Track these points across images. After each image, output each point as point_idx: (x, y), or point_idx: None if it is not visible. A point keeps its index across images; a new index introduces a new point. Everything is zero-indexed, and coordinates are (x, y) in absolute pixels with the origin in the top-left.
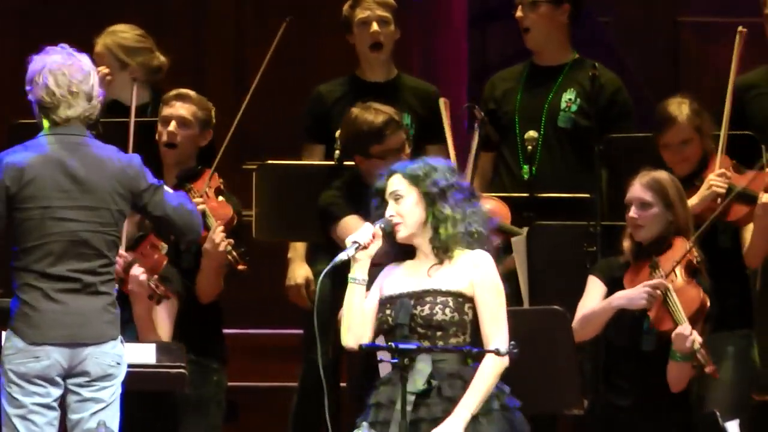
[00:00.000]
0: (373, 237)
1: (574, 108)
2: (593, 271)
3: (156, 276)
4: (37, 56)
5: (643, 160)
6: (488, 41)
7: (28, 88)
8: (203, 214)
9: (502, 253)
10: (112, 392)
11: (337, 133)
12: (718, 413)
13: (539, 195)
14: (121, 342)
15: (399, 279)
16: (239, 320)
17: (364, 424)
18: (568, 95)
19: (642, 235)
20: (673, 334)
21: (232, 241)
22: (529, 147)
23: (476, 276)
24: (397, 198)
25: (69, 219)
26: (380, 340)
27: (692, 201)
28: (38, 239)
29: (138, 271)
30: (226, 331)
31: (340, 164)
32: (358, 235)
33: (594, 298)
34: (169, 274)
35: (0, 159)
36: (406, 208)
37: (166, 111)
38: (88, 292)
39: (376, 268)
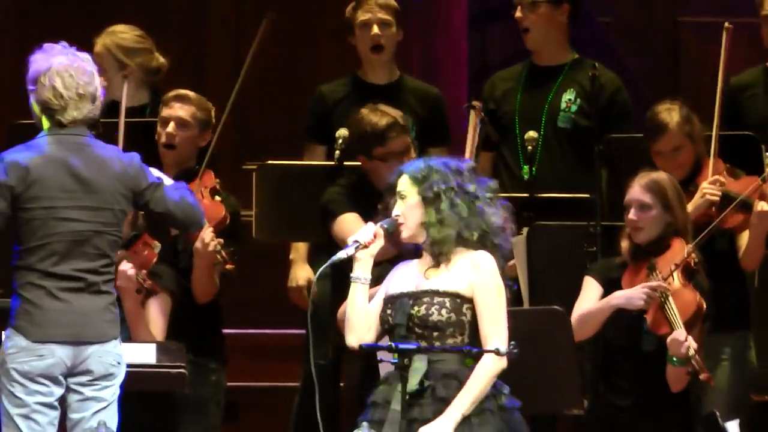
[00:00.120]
0: (375, 237)
1: (574, 108)
2: (589, 272)
3: (144, 271)
4: (39, 55)
5: (643, 160)
6: (488, 41)
7: (31, 87)
8: None
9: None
10: (113, 392)
11: (337, 133)
12: (718, 413)
13: (539, 195)
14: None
15: (402, 278)
16: (239, 320)
17: (364, 424)
18: (568, 95)
19: (641, 237)
20: (668, 340)
21: (221, 240)
22: (529, 147)
23: (475, 277)
24: (402, 198)
25: (73, 219)
26: (386, 340)
27: (687, 208)
28: (42, 239)
29: (126, 266)
30: (226, 331)
31: (340, 164)
32: (360, 234)
33: (590, 299)
34: (159, 270)
35: (4, 158)
36: (407, 208)
37: (165, 112)
38: (91, 291)
39: (386, 267)
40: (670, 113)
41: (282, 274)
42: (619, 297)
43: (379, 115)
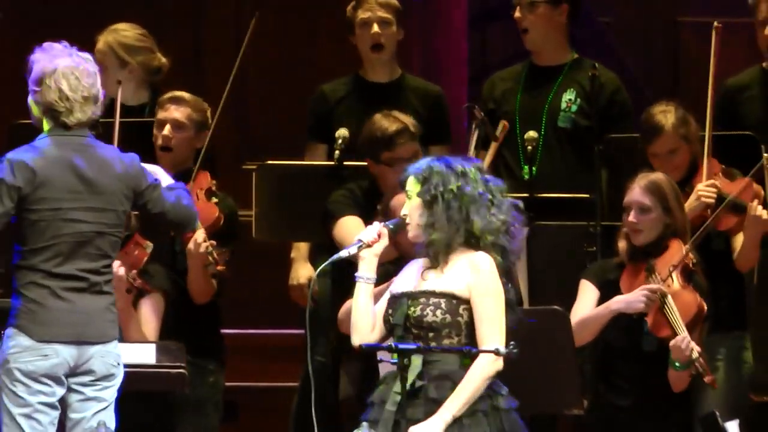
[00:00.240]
0: (379, 236)
1: (574, 108)
2: (585, 276)
3: (135, 272)
4: (41, 55)
5: (643, 161)
6: (488, 41)
7: (34, 88)
8: None
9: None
10: (113, 392)
11: (337, 133)
12: (717, 413)
13: (539, 195)
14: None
15: (405, 278)
16: (239, 320)
17: (364, 423)
18: (568, 95)
19: (641, 239)
20: (671, 345)
21: (213, 242)
22: (529, 147)
23: (471, 278)
24: (408, 197)
25: (78, 220)
26: (391, 340)
27: None
28: (48, 240)
29: (115, 265)
30: (226, 331)
31: (339, 164)
32: (364, 233)
33: (587, 303)
34: (151, 270)
35: (10, 159)
36: (412, 209)
37: (161, 114)
38: (93, 291)
39: (387, 268)
40: (666, 115)
41: (282, 274)
42: (618, 301)
43: (391, 121)
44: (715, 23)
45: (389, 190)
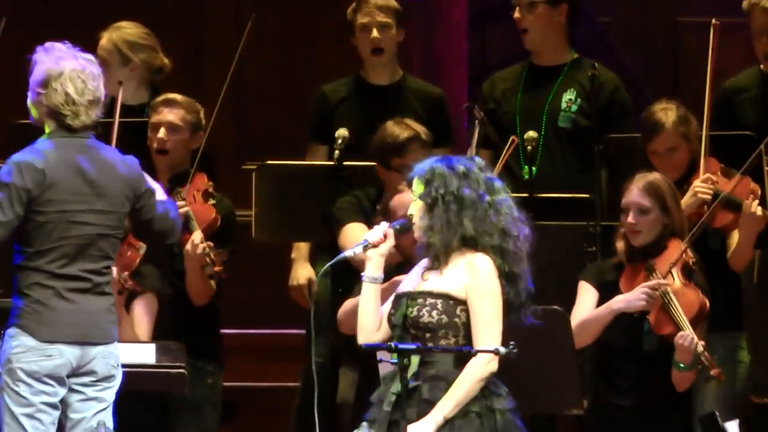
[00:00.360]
0: (384, 237)
1: (574, 108)
2: (584, 277)
3: (126, 272)
4: (45, 56)
5: (643, 160)
6: (488, 41)
7: (39, 90)
8: (187, 216)
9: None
10: (113, 393)
11: (337, 134)
12: (717, 413)
13: (539, 195)
14: None
15: (409, 279)
16: (239, 320)
17: (364, 423)
18: (569, 95)
19: (640, 240)
20: (675, 341)
21: (210, 243)
22: (529, 147)
23: (468, 279)
24: (414, 198)
25: (84, 222)
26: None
27: None
28: (54, 242)
29: None
30: (225, 331)
31: (339, 164)
32: (370, 233)
33: (587, 304)
34: (144, 271)
35: (18, 162)
36: (417, 209)
37: (155, 117)
38: (96, 292)
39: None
40: (666, 113)
41: (282, 274)
42: (619, 301)
43: (403, 128)
44: (714, 21)
45: (391, 192)
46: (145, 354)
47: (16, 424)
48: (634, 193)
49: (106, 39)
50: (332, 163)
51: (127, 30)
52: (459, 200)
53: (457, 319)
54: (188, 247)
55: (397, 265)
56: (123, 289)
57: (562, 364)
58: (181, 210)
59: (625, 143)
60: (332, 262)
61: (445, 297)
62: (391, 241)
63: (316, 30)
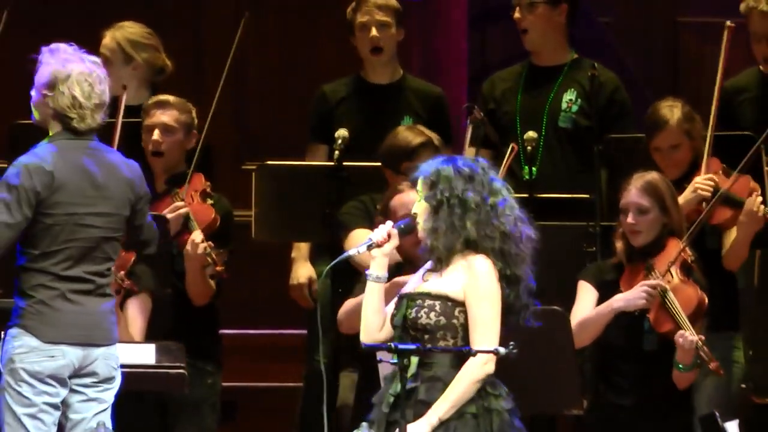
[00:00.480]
0: (388, 236)
1: (574, 108)
2: (583, 277)
3: (122, 272)
4: (52, 58)
5: (643, 161)
6: (488, 41)
7: (45, 92)
8: (186, 217)
9: None
10: (112, 394)
11: (337, 134)
12: (717, 414)
13: (538, 195)
14: None
15: (412, 280)
16: (238, 320)
17: (364, 424)
18: (569, 95)
19: (640, 240)
20: (675, 342)
21: (211, 243)
22: (529, 147)
23: (467, 280)
24: (419, 198)
25: (90, 225)
26: None
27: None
28: (61, 244)
29: None
30: (224, 331)
31: (339, 164)
32: (374, 233)
33: (586, 304)
34: (138, 270)
35: (28, 164)
36: (422, 209)
37: (148, 120)
38: (98, 294)
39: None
40: (672, 110)
41: (281, 274)
42: (619, 300)
43: (416, 133)
44: (728, 23)
45: (391, 192)
46: (144, 354)
47: (17, 424)
48: (633, 193)
49: (109, 37)
50: (332, 163)
51: (130, 29)
52: (463, 203)
53: (455, 321)
54: (188, 247)
55: (397, 265)
56: (120, 288)
57: (562, 364)
58: (181, 210)
59: (625, 143)
60: (336, 261)
61: (444, 298)
62: (395, 241)
63: (316, 30)
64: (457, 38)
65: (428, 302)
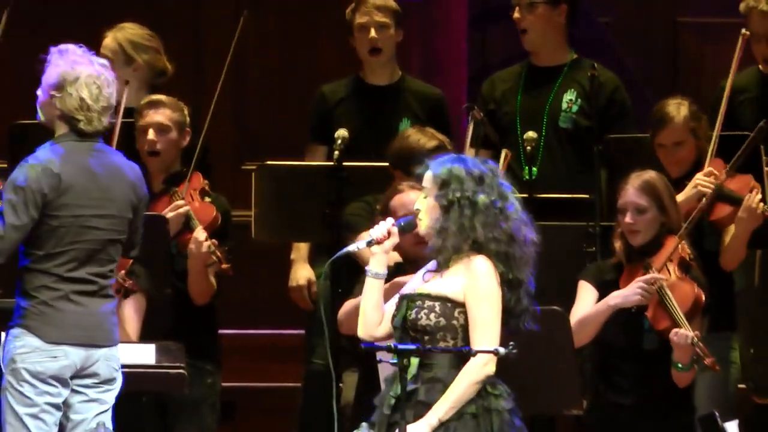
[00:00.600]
0: (388, 234)
1: (575, 108)
2: (583, 277)
3: (123, 272)
4: (61, 60)
5: (643, 161)
6: (488, 42)
7: (53, 93)
8: (187, 216)
9: None
10: (113, 395)
11: (337, 134)
12: (717, 414)
13: (538, 195)
14: None
15: (413, 280)
16: (237, 321)
17: (363, 424)
18: (569, 96)
19: (638, 240)
20: (671, 341)
21: (215, 241)
22: (528, 147)
23: (466, 281)
24: (425, 194)
25: (96, 227)
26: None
27: (678, 198)
28: (65, 245)
29: None
30: (224, 331)
31: (339, 164)
32: (374, 230)
33: (586, 304)
34: (135, 270)
35: (35, 165)
36: (427, 206)
37: (142, 121)
38: (101, 295)
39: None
40: (679, 107)
41: (281, 274)
42: (616, 297)
43: (429, 136)
44: (744, 31)
45: (392, 192)
46: (144, 354)
47: (19, 424)
48: (631, 192)
49: (110, 38)
50: (332, 163)
51: (131, 30)
52: (473, 205)
53: (455, 322)
54: (192, 245)
55: (397, 265)
56: (122, 287)
57: (562, 364)
58: (181, 210)
59: (625, 143)
60: (336, 256)
61: (443, 299)
62: (395, 239)
63: (316, 30)
64: (457, 38)
65: (428, 303)
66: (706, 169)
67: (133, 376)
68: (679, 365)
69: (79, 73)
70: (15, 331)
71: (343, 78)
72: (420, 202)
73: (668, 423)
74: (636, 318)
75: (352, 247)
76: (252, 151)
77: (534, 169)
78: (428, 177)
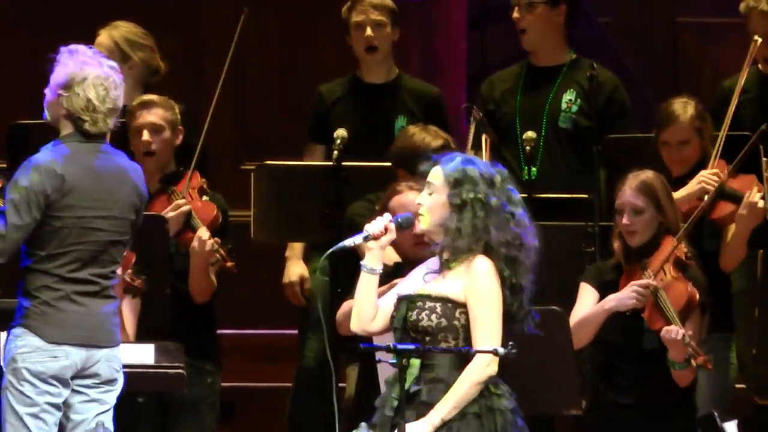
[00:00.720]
0: (385, 230)
1: (574, 108)
2: (583, 278)
3: (129, 270)
4: (70, 60)
5: (642, 161)
6: (487, 42)
7: (61, 92)
8: (188, 214)
9: None
10: (114, 396)
11: (336, 134)
12: (716, 414)
13: (537, 195)
14: None
15: (411, 280)
16: (237, 320)
17: (363, 424)
18: (569, 95)
19: (636, 241)
20: (663, 339)
21: (218, 239)
22: (528, 148)
23: (467, 281)
24: (429, 190)
25: (99, 229)
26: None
27: (680, 194)
28: (68, 246)
29: None
30: (223, 331)
31: (338, 164)
32: (371, 225)
33: (587, 305)
34: (139, 269)
35: (39, 166)
36: (433, 204)
37: (135, 122)
38: (103, 296)
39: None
40: (685, 106)
41: (280, 274)
42: (611, 300)
43: (433, 135)
44: (756, 37)
45: (391, 192)
46: (143, 354)
47: (20, 423)
48: (628, 193)
49: (105, 36)
50: (331, 163)
51: (126, 28)
52: (485, 207)
53: (456, 322)
54: (195, 244)
55: (395, 265)
56: (130, 287)
57: (561, 364)
58: (183, 209)
59: (625, 143)
60: (331, 250)
61: (444, 300)
62: (392, 235)
63: (316, 30)
64: (457, 38)
65: (429, 304)
66: (711, 168)
67: (132, 377)
68: (676, 364)
69: (87, 74)
70: (17, 330)
71: (341, 77)
72: (423, 198)
73: (668, 423)
74: (636, 318)
75: (348, 242)
76: (251, 150)
77: (533, 169)
78: (437, 174)
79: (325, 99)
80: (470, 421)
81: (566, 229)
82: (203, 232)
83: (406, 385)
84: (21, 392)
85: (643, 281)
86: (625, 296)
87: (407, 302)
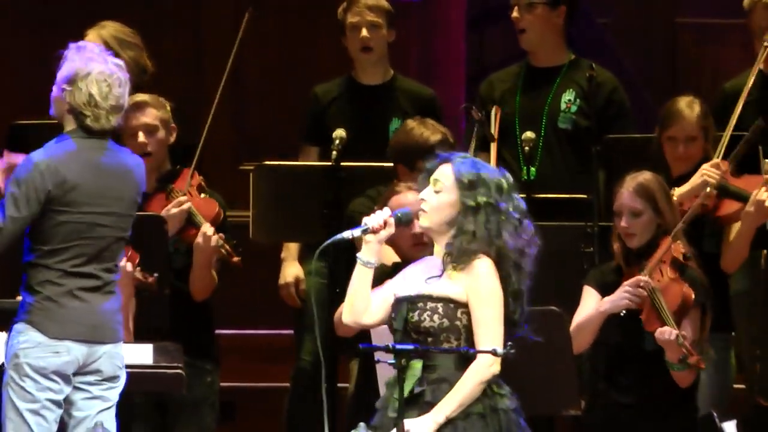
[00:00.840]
0: (384, 224)
1: (574, 109)
2: (586, 281)
3: (139, 268)
4: (76, 55)
5: (641, 161)
6: (486, 42)
7: (65, 86)
8: (190, 212)
9: None
10: (117, 393)
11: (334, 134)
12: (715, 414)
13: (536, 196)
14: None
15: (410, 281)
16: (236, 321)
17: (362, 424)
18: (568, 96)
19: (635, 243)
20: (658, 341)
21: (222, 235)
22: (527, 148)
23: (469, 281)
24: (437, 188)
25: (103, 225)
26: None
27: (683, 189)
28: (70, 242)
29: (122, 262)
30: (222, 331)
31: (337, 164)
32: (370, 218)
33: (589, 308)
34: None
35: (40, 162)
36: (440, 202)
37: (129, 124)
38: (105, 291)
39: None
40: (692, 105)
41: (279, 274)
42: (605, 302)
43: (432, 130)
44: (766, 43)
45: (391, 192)
46: (142, 354)
47: (20, 419)
48: (625, 196)
49: (94, 35)
50: (330, 163)
51: (114, 27)
52: (497, 212)
53: (458, 322)
54: (200, 240)
55: (394, 265)
56: (144, 285)
57: (560, 364)
58: (184, 206)
59: (624, 144)
60: (328, 242)
61: (446, 300)
62: (390, 229)
63: (316, 30)
64: (456, 39)
65: (430, 305)
66: (713, 161)
67: (131, 377)
68: (673, 365)
69: (91, 69)
70: (19, 326)
71: (337, 78)
72: (428, 195)
73: (668, 423)
74: (636, 319)
75: (346, 234)
76: (250, 151)
77: (533, 169)
78: (446, 173)
79: (321, 100)
80: (474, 420)
81: (565, 229)
82: (208, 228)
83: (410, 387)
84: (22, 388)
85: (633, 280)
86: (618, 297)
87: (407, 303)
